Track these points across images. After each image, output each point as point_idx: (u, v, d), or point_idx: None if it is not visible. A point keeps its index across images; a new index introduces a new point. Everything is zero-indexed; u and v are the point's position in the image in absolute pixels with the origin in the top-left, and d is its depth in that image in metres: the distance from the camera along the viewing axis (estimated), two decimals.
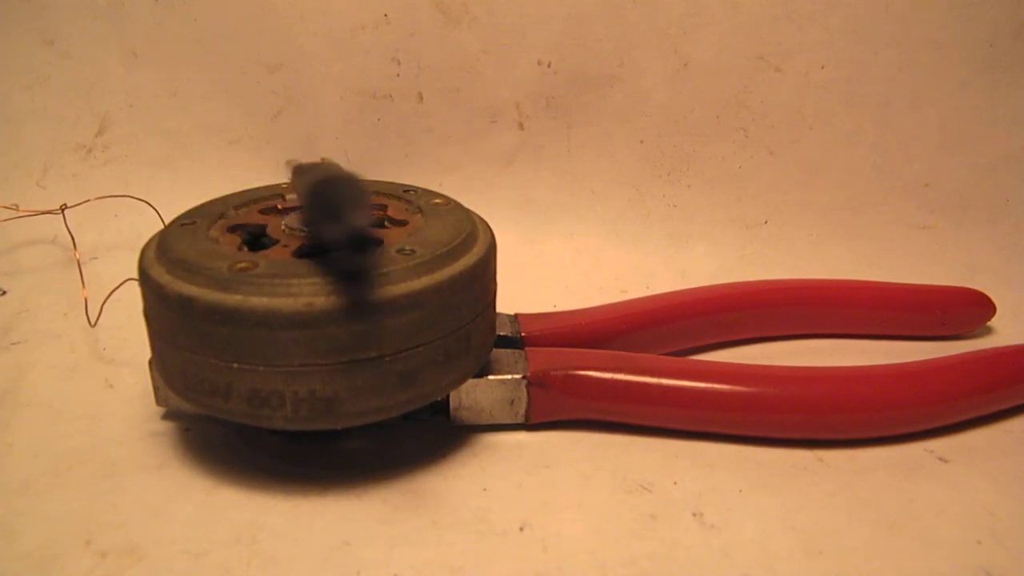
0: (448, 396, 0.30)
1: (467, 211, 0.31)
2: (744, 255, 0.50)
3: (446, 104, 0.50)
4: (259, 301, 0.23)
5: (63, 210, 0.42)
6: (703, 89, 0.49)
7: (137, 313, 0.27)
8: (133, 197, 0.42)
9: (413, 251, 0.26)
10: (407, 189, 0.33)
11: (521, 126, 0.51)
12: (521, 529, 0.26)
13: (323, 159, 0.32)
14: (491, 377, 0.30)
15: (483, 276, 0.28)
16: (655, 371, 0.30)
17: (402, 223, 0.30)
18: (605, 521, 0.26)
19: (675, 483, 0.28)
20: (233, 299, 0.23)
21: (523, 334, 0.34)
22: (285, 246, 0.27)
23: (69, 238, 0.41)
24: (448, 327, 0.26)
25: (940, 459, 0.30)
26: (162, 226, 0.29)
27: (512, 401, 0.30)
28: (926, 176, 0.51)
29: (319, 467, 0.29)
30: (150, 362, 0.28)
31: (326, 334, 0.24)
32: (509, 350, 0.32)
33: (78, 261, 0.40)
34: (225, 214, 0.30)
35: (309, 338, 0.24)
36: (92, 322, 0.36)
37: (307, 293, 0.23)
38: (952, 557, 0.25)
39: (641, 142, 0.51)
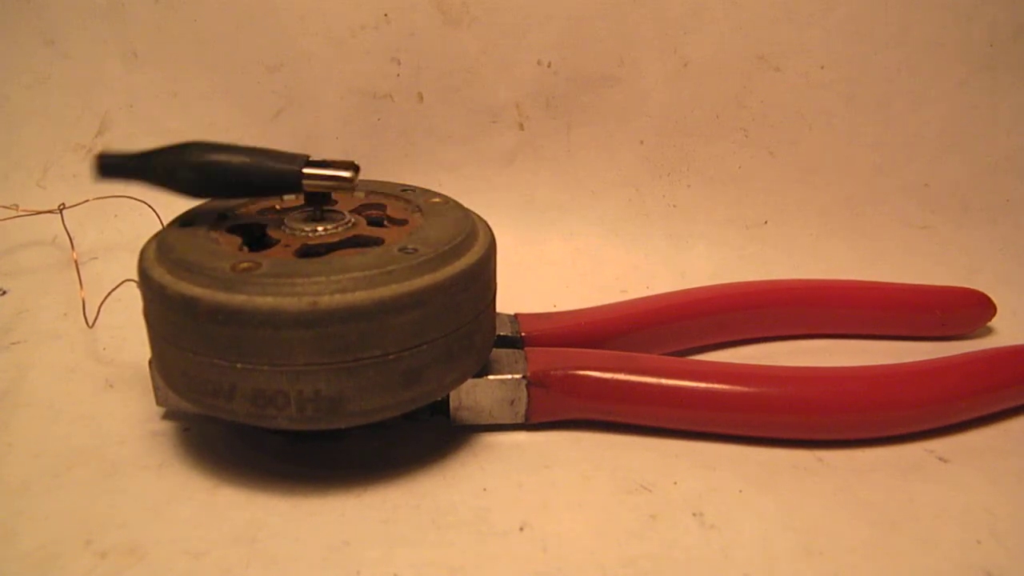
0: (448, 396, 0.30)
1: (466, 210, 0.31)
2: (744, 255, 0.50)
3: (446, 104, 0.50)
4: (263, 301, 0.23)
5: (61, 210, 0.42)
6: (703, 89, 0.49)
7: (137, 313, 0.27)
8: (132, 198, 0.42)
9: (415, 250, 0.26)
10: (405, 188, 0.33)
11: (521, 126, 0.51)
12: (521, 529, 0.26)
13: None
14: (491, 377, 0.30)
15: (484, 274, 0.28)
16: (655, 371, 0.30)
17: (402, 222, 0.30)
18: (605, 521, 0.26)
19: (675, 483, 0.28)
20: (237, 299, 0.23)
21: (523, 334, 0.34)
22: (286, 246, 0.27)
23: (69, 238, 0.41)
24: (451, 325, 0.26)
25: (940, 459, 0.30)
26: (160, 227, 0.29)
27: (512, 401, 0.30)
28: (926, 176, 0.51)
29: (319, 467, 0.29)
30: (150, 362, 0.28)
31: (331, 333, 0.24)
32: (509, 350, 0.32)
33: (75, 262, 0.40)
34: (224, 215, 0.30)
35: (314, 337, 0.24)
36: (90, 323, 0.36)
37: (311, 292, 0.23)
38: (952, 557, 0.25)
39: (641, 142, 0.51)
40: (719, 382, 0.30)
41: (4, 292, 0.42)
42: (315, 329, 0.23)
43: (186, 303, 0.24)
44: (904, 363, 0.33)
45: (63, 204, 0.42)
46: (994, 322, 0.41)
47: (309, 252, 0.27)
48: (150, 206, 0.40)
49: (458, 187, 0.46)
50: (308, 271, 0.24)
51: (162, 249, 0.26)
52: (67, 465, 0.28)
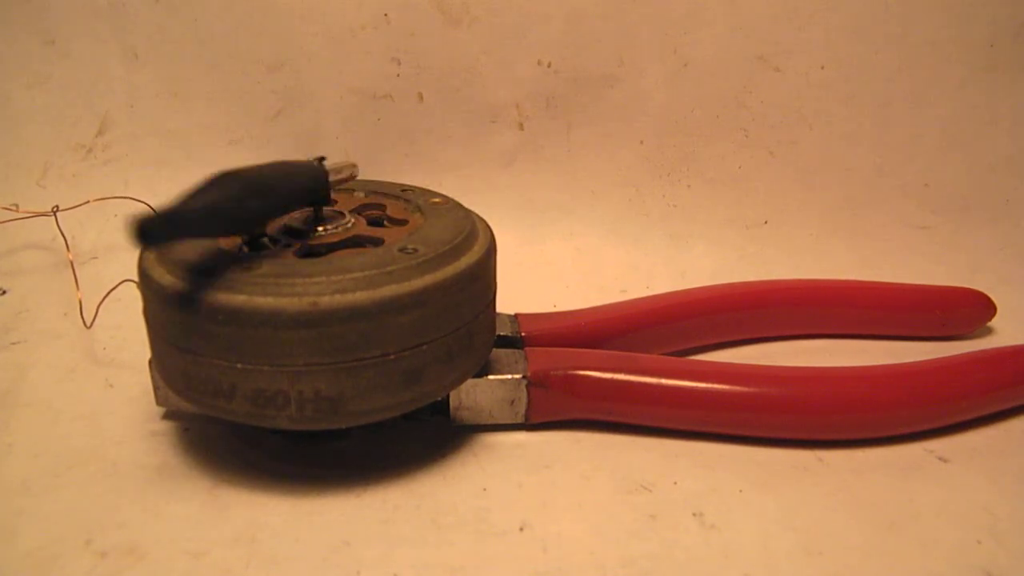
0: (448, 396, 0.30)
1: (466, 210, 0.31)
2: (744, 255, 0.50)
3: (446, 104, 0.50)
4: (263, 301, 0.23)
5: (55, 212, 0.42)
6: (703, 89, 0.49)
7: (136, 313, 0.27)
8: (131, 198, 0.42)
9: (416, 250, 0.26)
10: (405, 188, 0.33)
11: (521, 126, 0.51)
12: (521, 529, 0.26)
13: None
14: (491, 377, 0.30)
15: (484, 274, 0.28)
16: (655, 371, 0.30)
17: (402, 222, 0.30)
18: (605, 521, 0.26)
19: (675, 483, 0.28)
20: (237, 299, 0.23)
21: (523, 334, 0.34)
22: (287, 246, 0.27)
23: (64, 239, 0.41)
24: (451, 325, 0.26)
25: (940, 459, 0.30)
26: None
27: (512, 401, 0.30)
28: (926, 176, 0.51)
29: (319, 467, 0.29)
30: (150, 362, 0.28)
31: (331, 333, 0.24)
32: (509, 350, 0.32)
33: (71, 263, 0.40)
34: None
35: (314, 337, 0.24)
36: (88, 323, 0.36)
37: (311, 292, 0.23)
38: (952, 557, 0.25)
39: (641, 142, 0.51)
40: (719, 382, 0.30)
41: (4, 292, 0.42)
42: (315, 329, 0.23)
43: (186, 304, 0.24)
44: (904, 363, 0.33)
45: (56, 206, 0.42)
46: (994, 322, 0.41)
47: (309, 252, 0.27)
48: (150, 206, 0.40)
49: (458, 187, 0.45)
50: (308, 271, 0.24)
51: (162, 249, 0.26)
52: (67, 465, 0.28)
